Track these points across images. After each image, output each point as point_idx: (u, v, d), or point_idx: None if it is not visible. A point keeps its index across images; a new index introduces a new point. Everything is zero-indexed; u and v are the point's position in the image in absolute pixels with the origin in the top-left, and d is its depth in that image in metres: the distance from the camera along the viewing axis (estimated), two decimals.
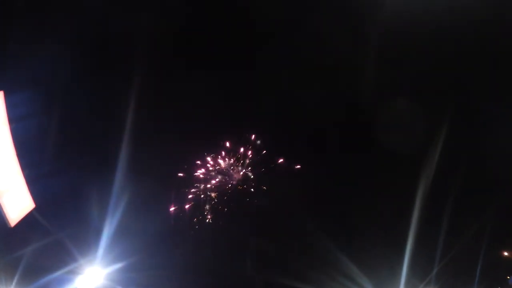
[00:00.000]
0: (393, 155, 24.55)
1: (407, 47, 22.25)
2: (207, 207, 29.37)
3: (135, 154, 22.76)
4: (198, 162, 29.79)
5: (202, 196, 29.49)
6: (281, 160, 29.35)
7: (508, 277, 24.99)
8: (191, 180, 29.62)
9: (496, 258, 25.08)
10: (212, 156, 29.82)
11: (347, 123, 26.28)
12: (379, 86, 23.64)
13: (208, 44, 24.90)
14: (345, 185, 26.67)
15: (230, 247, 27.56)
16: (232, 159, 29.93)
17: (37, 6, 19.55)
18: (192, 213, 29.25)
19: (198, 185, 29.60)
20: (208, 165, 29.89)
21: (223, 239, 28.13)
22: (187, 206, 29.21)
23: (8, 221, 15.23)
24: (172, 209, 28.76)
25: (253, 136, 29.70)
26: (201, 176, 29.76)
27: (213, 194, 29.59)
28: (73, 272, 19.77)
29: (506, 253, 25.49)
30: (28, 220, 16.53)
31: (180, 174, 29.31)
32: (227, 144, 29.87)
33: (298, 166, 29.07)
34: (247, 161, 29.83)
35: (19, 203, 16.05)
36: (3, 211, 15.07)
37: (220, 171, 29.82)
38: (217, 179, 29.89)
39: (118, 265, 21.38)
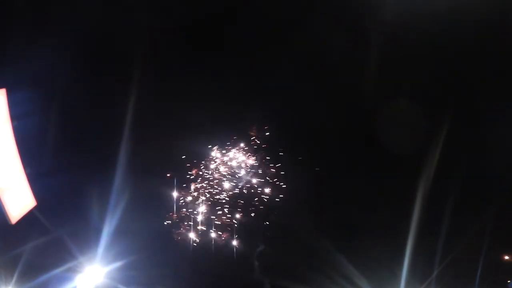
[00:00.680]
0: (394, 155, 24.52)
1: (407, 47, 22.25)
2: (211, 205, 29.24)
3: (136, 152, 22.82)
4: (202, 161, 29.70)
5: (207, 194, 29.38)
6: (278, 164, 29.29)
7: (509, 281, 24.90)
8: (194, 178, 29.53)
9: (497, 261, 25.05)
10: (219, 150, 29.64)
11: (347, 122, 26.24)
12: (379, 86, 23.63)
13: (208, 44, 24.95)
14: (345, 185, 26.62)
15: (238, 247, 27.52)
16: (236, 157, 29.83)
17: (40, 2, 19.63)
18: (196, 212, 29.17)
19: (202, 184, 29.50)
20: (214, 162, 29.77)
21: (231, 239, 28.04)
22: (189, 206, 29.13)
23: (9, 219, 15.27)
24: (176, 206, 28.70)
25: (254, 137, 29.66)
26: (206, 174, 29.67)
27: (218, 194, 29.48)
28: (73, 270, 19.77)
29: (506, 257, 25.47)
30: (28, 218, 16.56)
31: (191, 172, 29.15)
32: (230, 143, 29.79)
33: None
34: (252, 160, 29.75)
35: (20, 201, 16.09)
36: (5, 208, 15.10)
37: (227, 168, 29.68)
38: (223, 177, 29.78)
39: (118, 264, 21.38)
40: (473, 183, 23.72)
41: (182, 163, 29.12)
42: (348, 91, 25.01)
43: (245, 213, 28.76)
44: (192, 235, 28.25)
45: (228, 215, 28.76)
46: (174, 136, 26.11)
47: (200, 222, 28.70)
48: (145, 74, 21.83)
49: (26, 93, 17.81)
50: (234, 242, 28.03)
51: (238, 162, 29.68)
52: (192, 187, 29.24)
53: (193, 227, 28.59)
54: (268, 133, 29.36)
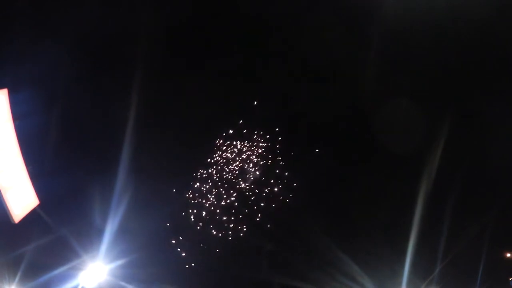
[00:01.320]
0: (395, 155, 24.50)
1: (407, 46, 22.19)
2: (216, 203, 29.26)
3: (139, 151, 22.88)
4: (205, 159, 29.74)
5: (214, 192, 29.40)
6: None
7: (510, 279, 24.89)
8: (198, 177, 29.58)
9: (498, 259, 25.01)
10: (221, 147, 29.67)
11: (347, 123, 26.24)
12: (379, 85, 23.61)
13: (207, 44, 24.97)
14: (345, 185, 26.65)
15: (239, 246, 27.56)
16: (241, 155, 29.83)
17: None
18: (200, 209, 29.21)
19: (206, 181, 29.55)
20: (219, 159, 29.77)
21: (232, 238, 28.05)
22: (194, 202, 29.16)
23: (12, 217, 15.38)
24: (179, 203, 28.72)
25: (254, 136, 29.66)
26: (211, 171, 29.69)
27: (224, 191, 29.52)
28: (76, 268, 19.90)
29: (508, 255, 25.42)
30: (31, 217, 16.65)
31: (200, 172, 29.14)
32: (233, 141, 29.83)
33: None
34: (255, 160, 29.77)
35: (23, 200, 16.17)
36: (8, 207, 15.21)
37: (232, 164, 29.66)
38: (227, 174, 29.79)
39: (121, 261, 21.47)
40: (475, 183, 23.71)
41: (186, 162, 29.23)
42: (348, 91, 25.02)
43: (251, 212, 28.88)
44: (195, 233, 28.43)
45: (232, 213, 28.94)
46: (177, 135, 26.16)
47: (204, 220, 28.85)
48: (147, 73, 21.87)
49: (28, 92, 17.90)
50: (239, 241, 28.10)
51: (244, 161, 29.75)
52: (197, 185, 29.40)
53: (197, 225, 28.78)
54: (269, 134, 29.43)
